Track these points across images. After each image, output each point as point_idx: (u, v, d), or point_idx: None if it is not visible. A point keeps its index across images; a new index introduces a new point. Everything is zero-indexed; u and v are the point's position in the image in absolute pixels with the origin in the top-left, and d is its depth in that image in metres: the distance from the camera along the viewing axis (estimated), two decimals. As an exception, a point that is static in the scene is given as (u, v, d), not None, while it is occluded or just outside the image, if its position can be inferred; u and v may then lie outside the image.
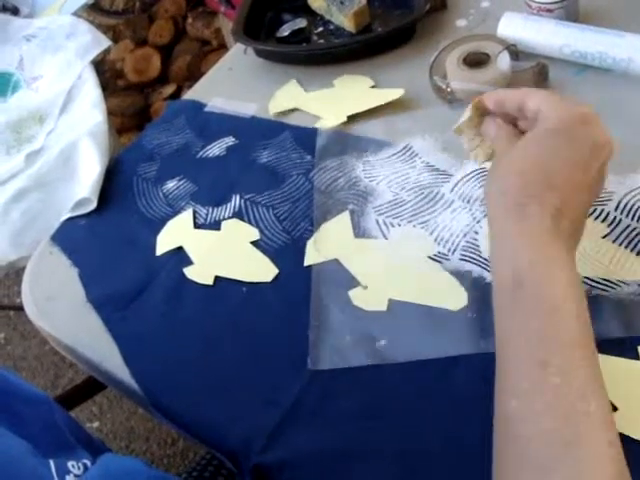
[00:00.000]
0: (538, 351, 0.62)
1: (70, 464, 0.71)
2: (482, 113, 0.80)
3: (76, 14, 1.62)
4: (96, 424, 2.26)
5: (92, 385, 1.76)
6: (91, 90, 1.35)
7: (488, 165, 0.81)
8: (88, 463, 0.74)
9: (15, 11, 1.67)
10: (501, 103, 0.77)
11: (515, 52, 1.08)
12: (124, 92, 2.88)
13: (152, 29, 2.98)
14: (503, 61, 1.05)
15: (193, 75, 2.72)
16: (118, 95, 2.83)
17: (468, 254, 0.90)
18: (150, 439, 2.18)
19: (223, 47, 2.67)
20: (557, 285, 0.64)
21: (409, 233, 0.95)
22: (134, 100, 2.83)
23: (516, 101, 0.75)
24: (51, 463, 0.68)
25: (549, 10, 1.10)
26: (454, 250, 0.91)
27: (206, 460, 1.13)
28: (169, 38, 2.96)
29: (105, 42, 1.47)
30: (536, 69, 1.04)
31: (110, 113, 1.36)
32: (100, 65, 2.98)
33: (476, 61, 1.07)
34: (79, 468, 0.72)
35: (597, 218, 0.88)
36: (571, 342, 0.61)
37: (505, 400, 0.63)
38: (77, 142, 1.24)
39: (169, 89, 2.81)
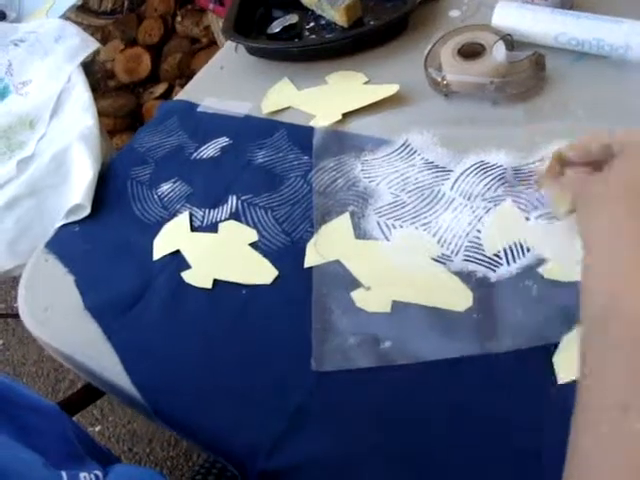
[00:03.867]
0: (621, 393, 0.57)
1: (82, 475, 0.71)
2: (563, 164, 0.78)
3: (64, 17, 1.61)
4: (98, 428, 2.26)
5: (93, 390, 1.75)
6: (81, 93, 1.34)
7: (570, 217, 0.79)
8: (100, 474, 0.73)
9: (2, 16, 1.66)
10: (586, 149, 0.76)
11: (510, 42, 1.06)
12: (115, 93, 2.87)
13: (141, 28, 2.97)
14: (499, 52, 1.04)
15: (184, 73, 2.72)
16: (109, 96, 2.82)
17: (472, 254, 0.89)
18: (153, 441, 2.18)
19: (213, 44, 2.67)
20: None
21: (411, 235, 0.93)
22: (126, 101, 2.82)
23: (602, 141, 0.73)
24: (63, 474, 0.68)
25: (544, -2, 1.09)
26: (457, 251, 0.89)
27: (210, 463, 1.12)
28: (159, 37, 2.95)
29: (93, 44, 1.46)
30: (532, 59, 1.02)
31: (102, 114, 1.34)
32: (90, 66, 2.97)
33: (471, 52, 1.06)
34: (91, 479, 0.71)
35: None
36: None
37: (582, 436, 0.59)
38: (68, 147, 1.22)
39: (160, 88, 2.80)
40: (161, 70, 2.92)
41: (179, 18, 2.97)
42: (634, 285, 0.62)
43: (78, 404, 1.76)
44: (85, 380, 1.67)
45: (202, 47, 2.84)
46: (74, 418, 1.84)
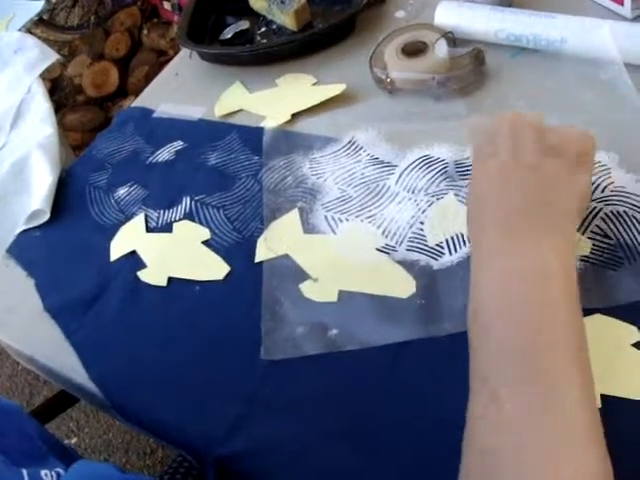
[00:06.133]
0: (480, 371, 0.65)
1: (43, 473, 0.71)
2: None
3: (24, 29, 1.63)
4: (74, 440, 2.26)
5: (65, 399, 1.76)
6: (41, 104, 1.35)
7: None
8: (61, 472, 0.74)
9: (-39, 31, 1.67)
10: None
11: (452, 39, 1.10)
12: (84, 107, 2.88)
13: (108, 42, 2.99)
14: (441, 49, 1.07)
15: (151, 86, 2.74)
16: (78, 111, 2.82)
17: (415, 244, 0.91)
18: (129, 451, 2.19)
19: (179, 56, 2.69)
20: (487, 305, 0.68)
21: (357, 227, 0.96)
22: (94, 115, 2.83)
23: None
24: (24, 473, 0.69)
25: (483, -4, 1.13)
26: (401, 242, 0.92)
27: (177, 463, 1.13)
28: (126, 51, 2.97)
29: (53, 55, 1.48)
30: (473, 54, 1.05)
31: (70, 129, 1.36)
32: (58, 81, 2.98)
33: (414, 50, 1.09)
34: (52, 477, 0.72)
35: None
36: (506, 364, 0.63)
37: (469, 403, 0.65)
38: (28, 155, 1.24)
39: (128, 102, 2.81)
40: (129, 83, 2.93)
41: (145, 31, 2.99)
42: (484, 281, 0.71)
43: (50, 412, 1.77)
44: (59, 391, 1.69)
45: (169, 59, 2.85)
46: (49, 429, 1.86)
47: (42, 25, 2.83)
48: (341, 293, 0.89)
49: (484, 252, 0.72)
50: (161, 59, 2.91)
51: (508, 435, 0.59)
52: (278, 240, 0.97)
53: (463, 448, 0.64)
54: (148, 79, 2.71)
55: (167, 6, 2.79)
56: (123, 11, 3.08)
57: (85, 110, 2.85)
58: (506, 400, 0.60)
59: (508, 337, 0.64)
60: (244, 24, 1.33)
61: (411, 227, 0.93)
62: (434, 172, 0.98)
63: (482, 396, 0.63)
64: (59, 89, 2.97)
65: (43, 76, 1.44)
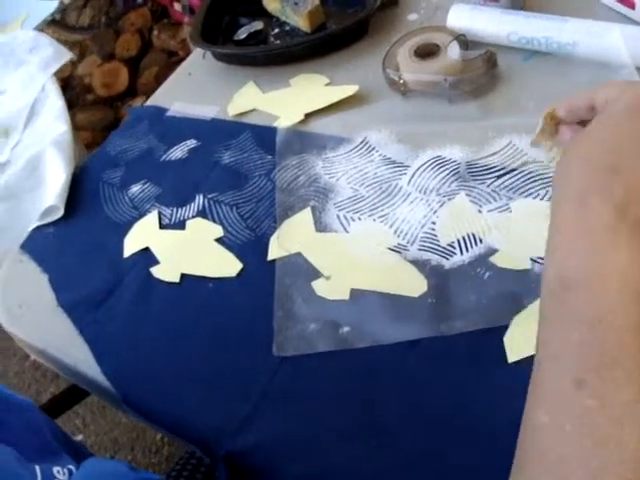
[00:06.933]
0: (575, 368, 0.56)
1: (55, 469, 0.72)
2: (557, 122, 0.78)
3: (38, 28, 1.64)
4: (80, 437, 2.26)
5: (72, 395, 1.77)
6: (54, 102, 1.36)
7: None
8: (73, 468, 0.75)
9: (-24, 30, 1.68)
10: (572, 108, 0.75)
11: (465, 42, 1.10)
12: (93, 107, 2.88)
13: (119, 43, 2.99)
14: (453, 51, 1.08)
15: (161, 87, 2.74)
16: (87, 110, 2.83)
17: (427, 244, 0.92)
18: (135, 448, 2.19)
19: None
20: (607, 293, 0.57)
21: (369, 227, 0.97)
22: (104, 115, 2.84)
23: (586, 100, 0.72)
24: (37, 468, 0.69)
25: (495, 0, 1.13)
26: (413, 241, 0.93)
27: (184, 459, 1.14)
28: (136, 51, 2.97)
29: (67, 54, 1.49)
30: (485, 57, 1.06)
31: (80, 128, 1.37)
32: (68, 81, 2.99)
33: (427, 52, 1.10)
34: (64, 474, 0.73)
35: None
36: (613, 360, 0.55)
37: (536, 411, 0.58)
38: (42, 153, 1.25)
39: (138, 102, 2.81)
40: (139, 84, 2.93)
41: (156, 32, 2.99)
42: (584, 255, 0.60)
43: (57, 409, 1.77)
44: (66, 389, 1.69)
45: (179, 60, 2.85)
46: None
47: (53, 25, 2.83)
48: (353, 291, 0.90)
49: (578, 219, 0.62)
50: (171, 60, 2.91)
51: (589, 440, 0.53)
52: (291, 238, 0.98)
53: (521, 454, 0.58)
54: (158, 79, 2.72)
55: (177, 7, 2.80)
56: (133, 12, 3.08)
57: (95, 109, 2.85)
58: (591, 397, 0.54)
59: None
60: (258, 25, 1.34)
61: (423, 227, 0.94)
62: (446, 172, 0.98)
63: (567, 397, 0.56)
64: (69, 88, 2.98)
65: (55, 75, 1.45)
